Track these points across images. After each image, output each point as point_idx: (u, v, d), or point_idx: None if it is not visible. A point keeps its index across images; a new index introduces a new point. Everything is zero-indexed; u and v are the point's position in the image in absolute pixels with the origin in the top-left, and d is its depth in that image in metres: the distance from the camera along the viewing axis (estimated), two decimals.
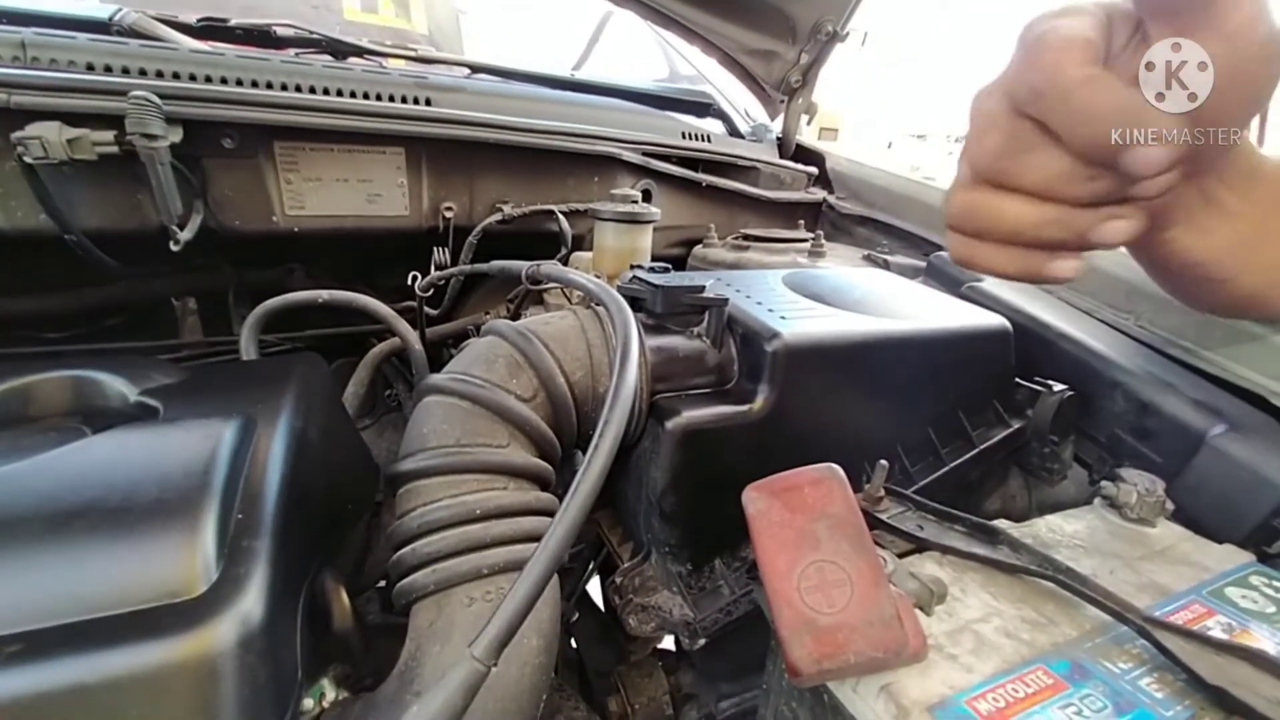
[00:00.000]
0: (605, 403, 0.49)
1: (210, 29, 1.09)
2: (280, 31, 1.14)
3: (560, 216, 1.11)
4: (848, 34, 1.35)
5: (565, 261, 1.09)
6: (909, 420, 0.79)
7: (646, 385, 0.68)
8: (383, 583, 0.75)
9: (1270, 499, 0.66)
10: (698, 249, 1.29)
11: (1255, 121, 0.37)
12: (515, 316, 1.02)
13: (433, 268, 1.01)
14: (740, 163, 1.37)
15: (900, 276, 1.02)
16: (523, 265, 0.75)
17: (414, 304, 0.95)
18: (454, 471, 0.59)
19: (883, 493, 0.58)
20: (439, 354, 1.10)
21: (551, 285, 0.86)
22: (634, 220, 0.97)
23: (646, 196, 1.22)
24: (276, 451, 0.52)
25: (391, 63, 1.27)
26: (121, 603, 0.39)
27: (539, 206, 1.11)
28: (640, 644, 0.98)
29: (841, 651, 0.39)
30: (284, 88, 0.91)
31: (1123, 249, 0.41)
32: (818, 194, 1.50)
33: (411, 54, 1.38)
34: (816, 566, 0.42)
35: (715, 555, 0.74)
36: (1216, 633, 0.46)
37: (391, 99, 0.99)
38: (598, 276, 0.69)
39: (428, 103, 1.01)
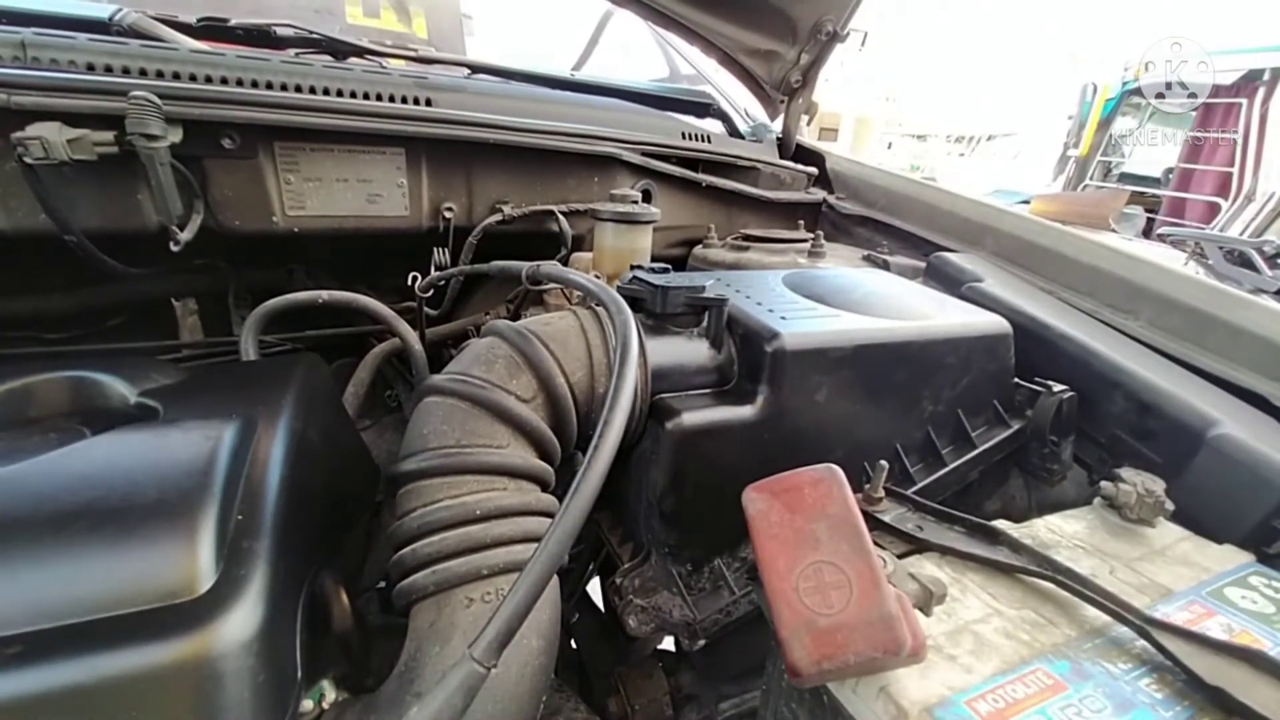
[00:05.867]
0: (605, 403, 0.49)
1: (210, 29, 1.09)
2: (280, 31, 1.14)
3: (560, 217, 1.11)
4: (848, 34, 1.35)
5: (565, 262, 1.09)
6: (909, 420, 0.79)
7: (646, 386, 0.68)
8: (383, 583, 0.75)
9: (1270, 499, 0.66)
10: (697, 249, 1.29)
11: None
12: (515, 317, 1.02)
13: (433, 268, 1.01)
14: (740, 163, 1.37)
15: (900, 276, 1.02)
16: (522, 266, 0.75)
17: (414, 304, 0.95)
18: (454, 472, 0.59)
19: (882, 493, 0.58)
20: (439, 354, 1.10)
21: (551, 285, 0.86)
22: (633, 220, 0.97)
23: (646, 197, 1.22)
24: (276, 453, 0.52)
25: (392, 63, 1.27)
26: (121, 604, 0.39)
27: (539, 207, 1.11)
28: (640, 645, 0.98)
29: (841, 652, 0.39)
30: (284, 88, 0.91)
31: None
32: (818, 194, 1.50)
33: (412, 54, 1.38)
34: (816, 567, 0.42)
35: (715, 555, 0.74)
36: (1216, 633, 0.46)
37: (391, 99, 0.99)
38: (597, 277, 0.69)
39: (428, 103, 1.01)
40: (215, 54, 0.92)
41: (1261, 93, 5.39)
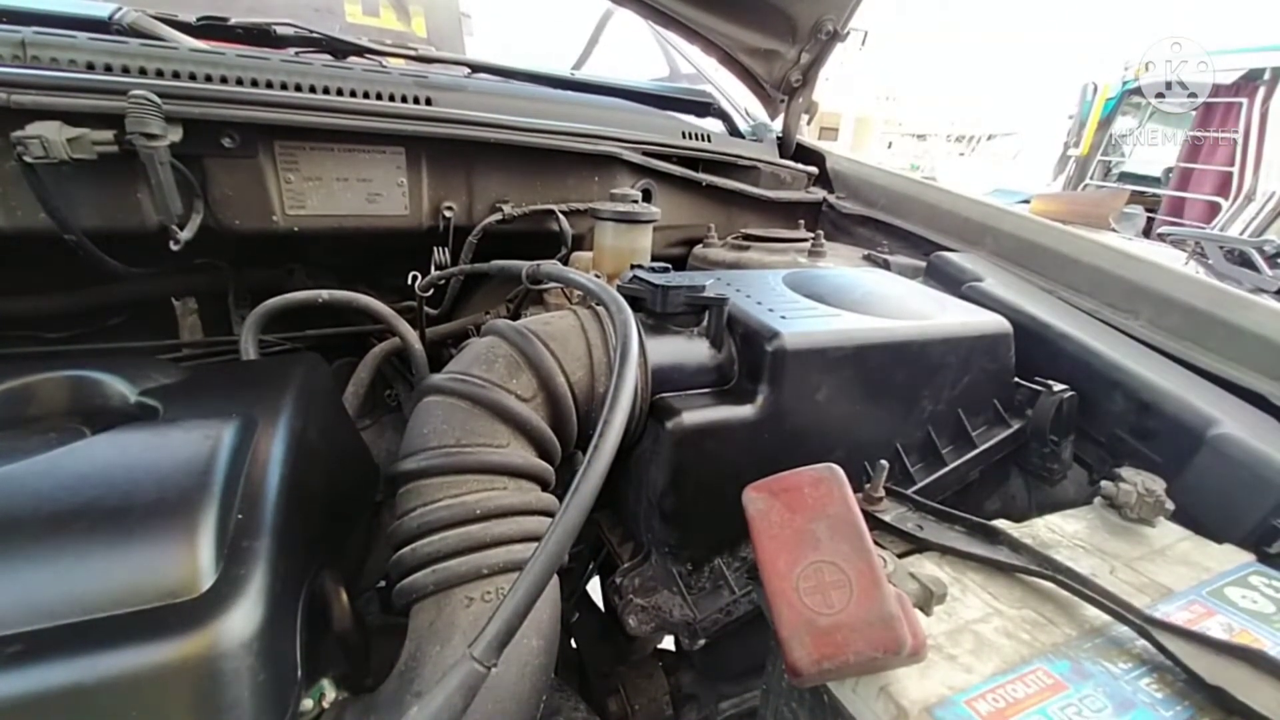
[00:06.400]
0: (605, 403, 0.49)
1: (210, 28, 1.09)
2: (280, 30, 1.14)
3: (560, 216, 1.11)
4: (848, 33, 1.35)
5: (565, 261, 1.09)
6: (909, 420, 0.79)
7: (647, 385, 0.68)
8: (383, 583, 0.75)
9: (1270, 498, 0.66)
10: (698, 249, 1.29)
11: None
12: (515, 316, 1.02)
13: (433, 268, 1.01)
14: (740, 162, 1.37)
15: (900, 276, 1.02)
16: (523, 265, 0.75)
17: (414, 304, 0.95)
18: (454, 472, 0.59)
19: (882, 493, 0.58)
20: (439, 354, 1.10)
21: (551, 285, 0.86)
22: (634, 220, 0.97)
23: (646, 196, 1.21)
24: (276, 452, 0.52)
25: (392, 62, 1.27)
26: (121, 603, 0.39)
27: (539, 206, 1.11)
28: (640, 644, 0.98)
29: (841, 652, 0.39)
30: (284, 87, 0.91)
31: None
32: (818, 194, 1.50)
33: (412, 53, 1.38)
34: (816, 567, 0.42)
35: (715, 555, 0.74)
36: (1216, 633, 0.46)
37: (392, 98, 0.99)
38: (597, 276, 0.69)
39: (428, 102, 1.01)
40: (215, 53, 0.91)
41: (1261, 92, 5.39)
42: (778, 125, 1.55)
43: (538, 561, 0.41)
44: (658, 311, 0.73)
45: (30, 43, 0.80)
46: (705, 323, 0.75)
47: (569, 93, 1.34)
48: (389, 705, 0.49)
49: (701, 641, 0.71)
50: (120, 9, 0.99)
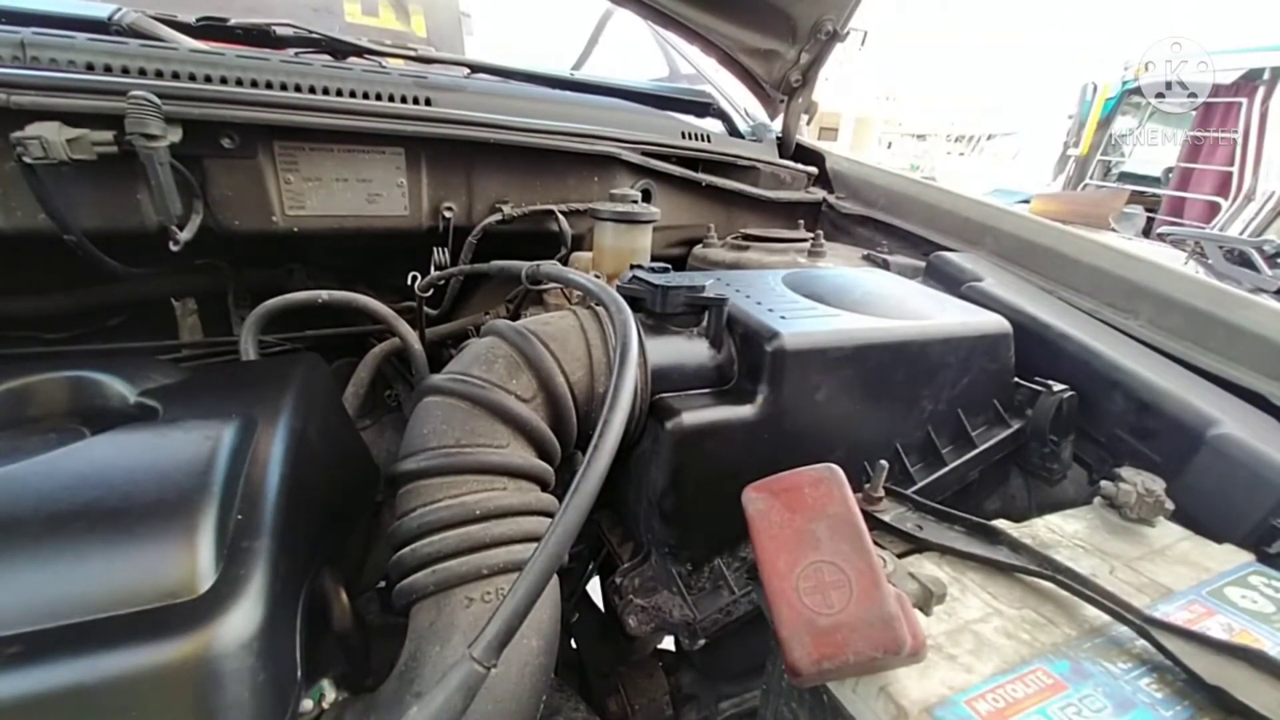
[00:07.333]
0: (605, 403, 0.49)
1: (210, 28, 1.09)
2: (280, 31, 1.14)
3: (560, 216, 1.11)
4: (848, 33, 1.35)
5: (565, 261, 1.09)
6: (909, 420, 0.79)
7: (646, 385, 0.68)
8: (383, 583, 0.75)
9: (1270, 498, 0.66)
10: (697, 249, 1.29)
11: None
12: (515, 316, 1.02)
13: (432, 268, 1.01)
14: (740, 162, 1.37)
15: (900, 276, 1.02)
16: (522, 265, 0.75)
17: (414, 304, 0.95)
18: (454, 472, 0.59)
19: (882, 493, 0.58)
20: (439, 354, 1.10)
21: (551, 285, 0.86)
22: (633, 220, 0.97)
23: (646, 196, 1.21)
24: (276, 452, 0.52)
25: (391, 62, 1.27)
26: (121, 604, 0.39)
27: (539, 206, 1.11)
28: (640, 644, 0.98)
29: (841, 652, 0.39)
30: (284, 88, 0.91)
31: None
32: (817, 194, 1.50)
33: (411, 54, 1.38)
34: (816, 567, 0.42)
35: (715, 555, 0.74)
36: (1216, 633, 0.46)
37: (391, 99, 0.99)
38: (597, 276, 0.69)
39: (428, 102, 1.01)
40: (215, 53, 0.91)
41: (1261, 92, 5.39)
42: (777, 125, 1.55)
43: (537, 562, 0.41)
44: (657, 311, 0.73)
45: (30, 43, 0.80)
46: (705, 323, 0.75)
47: (568, 93, 1.34)
48: (389, 705, 0.49)
49: (701, 641, 0.71)
50: (120, 9, 0.99)
